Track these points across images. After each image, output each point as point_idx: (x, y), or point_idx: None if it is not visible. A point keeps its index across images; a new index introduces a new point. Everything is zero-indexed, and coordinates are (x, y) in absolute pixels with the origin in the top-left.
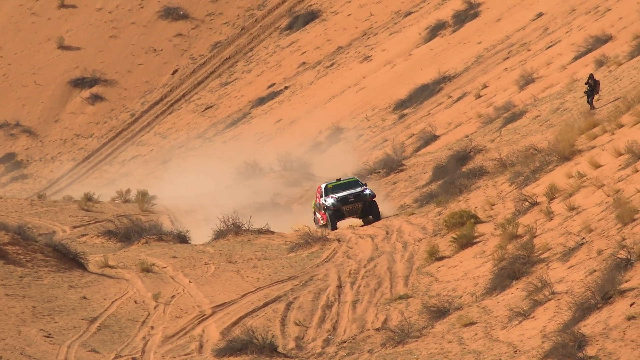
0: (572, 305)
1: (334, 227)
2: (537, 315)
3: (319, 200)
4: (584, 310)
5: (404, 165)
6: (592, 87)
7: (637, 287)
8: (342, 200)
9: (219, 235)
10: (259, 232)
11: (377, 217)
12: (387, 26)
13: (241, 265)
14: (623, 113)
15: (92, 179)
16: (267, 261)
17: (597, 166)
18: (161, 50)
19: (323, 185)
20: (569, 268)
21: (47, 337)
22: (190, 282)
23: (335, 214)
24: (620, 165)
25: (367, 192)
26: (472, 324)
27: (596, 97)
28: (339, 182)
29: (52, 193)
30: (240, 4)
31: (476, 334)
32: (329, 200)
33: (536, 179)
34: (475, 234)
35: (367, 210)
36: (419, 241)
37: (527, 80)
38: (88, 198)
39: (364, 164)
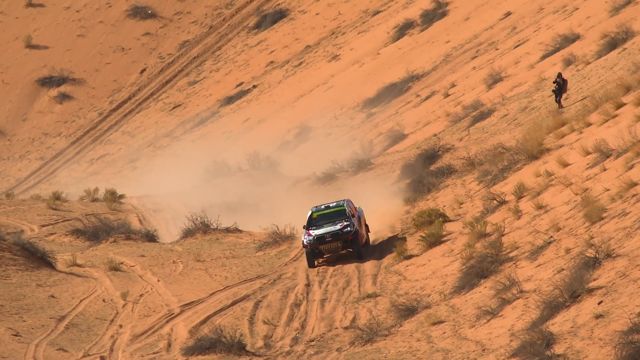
0: (540, 304)
1: (312, 265)
2: (505, 314)
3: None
4: (552, 308)
5: (373, 164)
6: (560, 85)
7: (605, 286)
8: (318, 239)
9: (188, 234)
10: (228, 230)
11: (359, 254)
12: (356, 25)
13: (209, 263)
14: (591, 112)
15: (60, 177)
16: (236, 260)
17: (565, 165)
18: (129, 49)
19: (310, 212)
20: (537, 267)
21: (15, 335)
22: (158, 280)
23: (312, 253)
24: (588, 164)
25: (348, 229)
26: (441, 322)
27: (564, 96)
28: (325, 211)
29: (20, 192)
30: (208, 3)
31: (444, 333)
32: (306, 238)
33: (504, 177)
34: (444, 233)
35: (348, 247)
36: (387, 239)
37: (495, 79)
38: (56, 197)
39: (332, 163)
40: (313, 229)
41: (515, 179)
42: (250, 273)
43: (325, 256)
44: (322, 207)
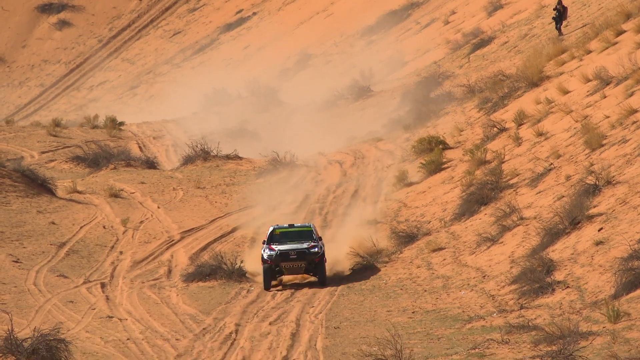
0: (540, 231)
1: (268, 286)
2: (505, 241)
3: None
4: (552, 235)
5: (372, 91)
6: (561, 13)
7: (605, 213)
8: (281, 255)
9: (188, 161)
10: (228, 158)
11: (323, 281)
12: None
13: (210, 190)
14: (591, 39)
15: (60, 104)
16: (236, 187)
17: (566, 92)
18: None
19: (271, 228)
20: (537, 193)
21: (16, 262)
22: (158, 207)
23: (271, 270)
24: (588, 91)
25: (315, 250)
26: (441, 249)
27: (564, 23)
28: (289, 229)
29: (20, 118)
30: None
31: (445, 259)
32: (267, 252)
33: (504, 105)
34: (444, 160)
35: (311, 270)
36: (387, 167)
37: (495, 7)
38: (56, 124)
39: (332, 90)
40: (276, 245)
41: (515, 106)
42: (250, 200)
43: (282, 278)
44: (286, 225)
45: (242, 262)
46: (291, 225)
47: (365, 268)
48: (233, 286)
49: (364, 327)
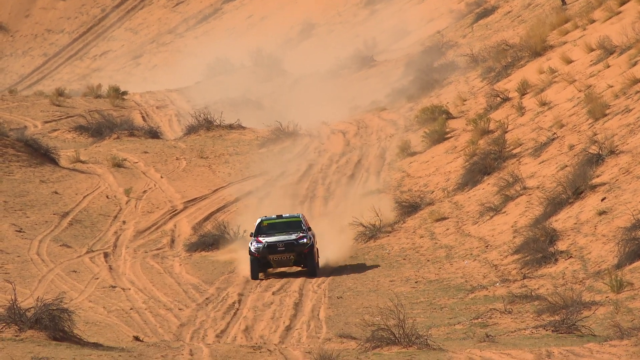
0: (543, 201)
1: (255, 277)
2: (508, 211)
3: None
4: (555, 205)
5: (376, 61)
6: None
7: (608, 182)
8: (269, 247)
9: (191, 130)
10: (231, 127)
11: (313, 272)
12: None
13: (213, 160)
14: (595, 8)
15: (63, 74)
16: (239, 156)
17: (569, 62)
18: None
19: (259, 220)
20: (540, 163)
21: (19, 231)
22: (161, 177)
23: (259, 263)
24: (591, 61)
25: (304, 241)
26: (444, 219)
27: None
28: (278, 220)
29: (24, 88)
30: None
31: (448, 229)
32: (254, 245)
33: (508, 74)
34: (447, 130)
35: (301, 262)
36: (390, 136)
37: None
38: (59, 93)
39: (335, 60)
40: (263, 237)
41: (518, 75)
42: (253, 170)
43: (270, 271)
44: (274, 216)
45: (244, 231)
46: (279, 216)
47: (367, 238)
48: None
49: (367, 297)
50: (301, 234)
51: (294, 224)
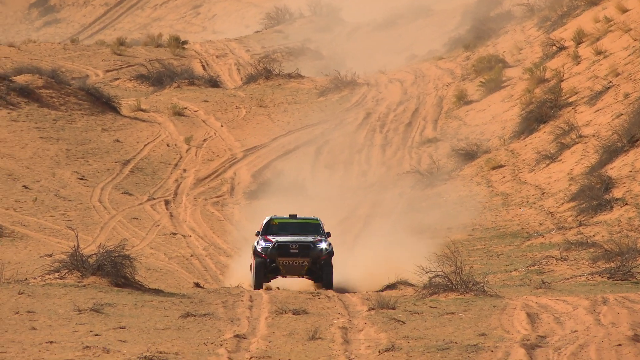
0: (598, 148)
1: (258, 285)
2: (564, 158)
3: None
4: (610, 153)
5: (432, 10)
6: None
7: None
8: (280, 248)
9: (250, 79)
10: (290, 76)
11: (329, 283)
12: None
13: (272, 109)
14: None
15: (124, 23)
16: (298, 105)
17: (624, 10)
18: None
19: (267, 218)
20: (595, 111)
21: (81, 179)
22: (221, 125)
23: (264, 267)
24: None
25: (322, 245)
26: (500, 166)
27: None
28: (290, 221)
29: (85, 37)
30: None
31: (504, 177)
32: (261, 244)
33: (563, 23)
34: (503, 78)
35: (315, 272)
36: (447, 85)
37: None
38: (120, 42)
39: (392, 9)
40: (273, 236)
41: (574, 24)
42: (312, 118)
43: (278, 277)
44: (287, 216)
45: (303, 179)
46: (293, 216)
47: (425, 185)
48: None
49: (424, 244)
50: (319, 237)
51: (311, 226)
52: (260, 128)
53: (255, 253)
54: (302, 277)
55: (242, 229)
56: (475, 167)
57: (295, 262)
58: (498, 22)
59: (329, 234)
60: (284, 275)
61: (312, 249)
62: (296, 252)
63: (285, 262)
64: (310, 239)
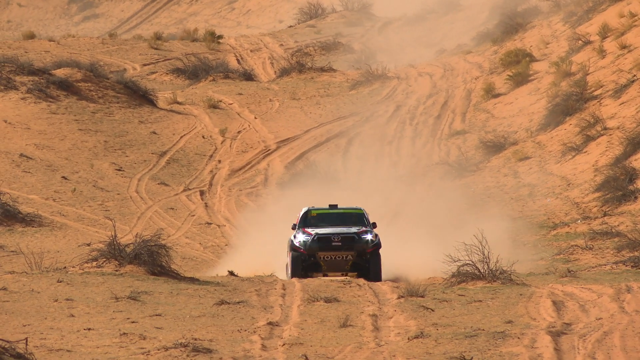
0: (623, 140)
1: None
2: (589, 150)
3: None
4: (635, 145)
5: (462, 5)
6: None
7: None
8: (321, 240)
9: (283, 73)
10: (322, 70)
11: (377, 278)
12: None
13: (304, 102)
14: None
15: (161, 18)
16: (330, 98)
17: None
18: None
19: (304, 209)
20: (620, 104)
21: (119, 170)
22: (255, 118)
23: (303, 261)
24: None
25: (368, 237)
26: (527, 158)
27: None
28: (330, 211)
29: (123, 32)
30: None
31: (531, 168)
32: (299, 237)
33: (589, 18)
34: (530, 72)
35: (362, 267)
36: (475, 79)
37: None
38: (157, 37)
39: (423, 4)
40: (312, 228)
41: (599, 19)
42: (343, 111)
43: (319, 275)
44: (326, 206)
45: (334, 171)
46: (333, 206)
47: (454, 177)
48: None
49: (453, 234)
50: (363, 228)
51: (354, 217)
52: (293, 120)
53: (292, 247)
54: (346, 274)
55: (276, 219)
56: (502, 159)
57: (339, 257)
58: (525, 17)
59: (374, 225)
60: (325, 273)
61: (357, 241)
62: (339, 245)
63: (327, 257)
64: (354, 230)
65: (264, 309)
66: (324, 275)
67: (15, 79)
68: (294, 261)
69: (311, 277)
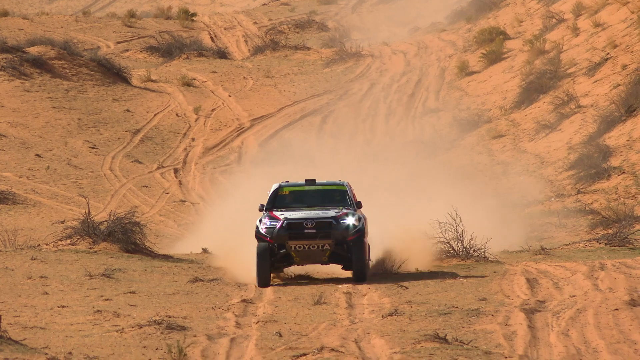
0: (597, 118)
1: (263, 281)
2: (563, 128)
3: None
4: (608, 123)
5: None
6: None
7: None
8: (291, 227)
9: (257, 51)
10: (296, 48)
11: (361, 275)
12: None
13: (278, 80)
14: None
15: None
16: (304, 76)
17: None
18: None
19: (275, 186)
20: (594, 82)
21: (92, 148)
22: (229, 95)
23: (270, 253)
24: None
25: (349, 221)
26: (501, 136)
27: None
28: (305, 188)
29: (97, 10)
30: None
31: (505, 146)
32: (265, 224)
33: None
34: (504, 50)
35: (343, 257)
36: (449, 57)
37: None
38: (131, 15)
39: None
40: (281, 211)
41: None
42: (317, 89)
43: (284, 274)
44: (301, 182)
45: (308, 148)
46: (310, 182)
47: (427, 155)
48: None
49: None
50: (344, 211)
51: (336, 194)
52: (267, 98)
53: (257, 235)
54: (326, 264)
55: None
56: (476, 137)
57: (313, 246)
58: None
59: (359, 205)
60: (299, 263)
61: (335, 227)
62: (313, 233)
63: (299, 247)
64: (331, 213)
65: (237, 286)
66: (298, 265)
67: None
68: (260, 254)
69: (281, 271)
